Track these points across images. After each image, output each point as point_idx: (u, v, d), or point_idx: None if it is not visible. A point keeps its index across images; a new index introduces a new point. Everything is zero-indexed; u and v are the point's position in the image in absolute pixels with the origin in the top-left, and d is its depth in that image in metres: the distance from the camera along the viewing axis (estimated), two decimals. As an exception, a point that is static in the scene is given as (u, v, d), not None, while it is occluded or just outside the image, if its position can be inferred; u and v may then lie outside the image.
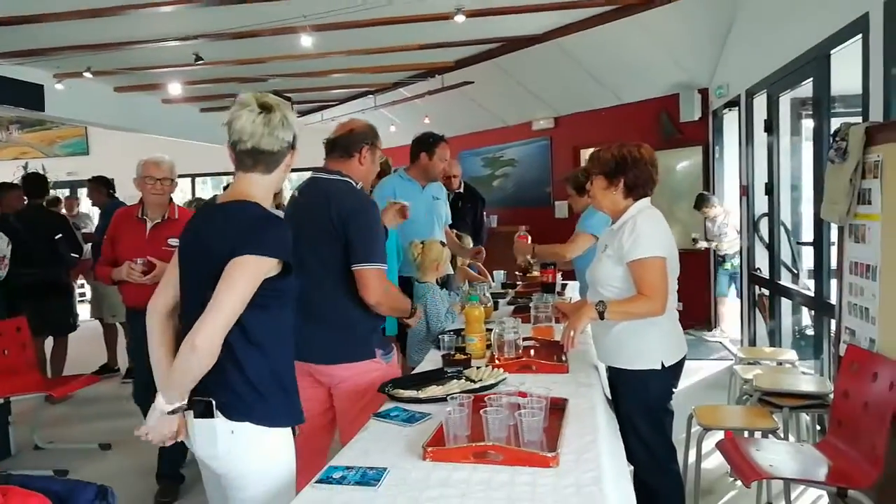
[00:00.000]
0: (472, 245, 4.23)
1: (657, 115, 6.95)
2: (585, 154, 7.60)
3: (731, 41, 5.70)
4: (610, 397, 2.45)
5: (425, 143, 3.51)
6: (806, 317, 4.72)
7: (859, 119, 3.06)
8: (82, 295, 8.05)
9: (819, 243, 3.82)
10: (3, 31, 5.13)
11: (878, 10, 2.94)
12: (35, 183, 5.43)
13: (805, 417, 3.45)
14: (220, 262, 1.62)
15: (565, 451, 1.64)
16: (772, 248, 4.90)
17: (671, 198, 6.70)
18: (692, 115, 6.62)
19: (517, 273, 4.61)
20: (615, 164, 2.40)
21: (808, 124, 4.67)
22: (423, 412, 1.97)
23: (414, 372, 2.51)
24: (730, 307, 6.39)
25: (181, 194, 6.70)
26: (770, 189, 4.85)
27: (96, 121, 8.24)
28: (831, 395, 2.91)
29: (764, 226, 5.13)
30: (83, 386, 4.26)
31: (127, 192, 4.61)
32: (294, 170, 1.84)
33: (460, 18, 5.01)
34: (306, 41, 5.33)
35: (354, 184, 2.41)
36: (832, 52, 3.60)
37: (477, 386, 2.10)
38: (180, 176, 3.48)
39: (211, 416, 1.67)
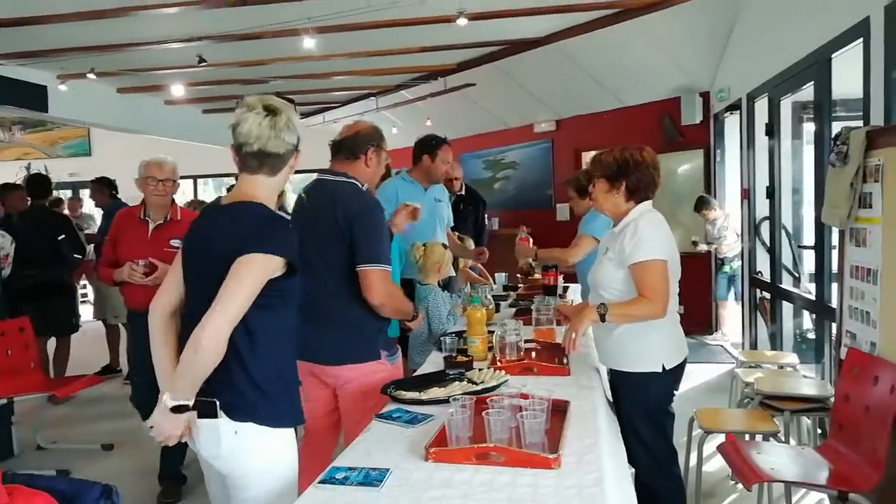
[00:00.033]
0: (473, 247, 4.24)
1: (659, 119, 6.96)
2: (587, 157, 7.61)
3: (732, 45, 5.71)
4: (611, 400, 2.46)
5: (428, 146, 3.52)
6: (807, 320, 4.72)
7: (860, 123, 3.08)
8: (84, 296, 8.07)
9: (820, 247, 3.82)
10: (7, 32, 5.15)
11: (879, 15, 2.95)
12: (38, 184, 5.45)
13: (806, 421, 3.46)
14: (227, 261, 1.62)
15: (567, 452, 1.65)
16: (773, 251, 4.90)
17: (672, 201, 6.71)
18: (693, 118, 6.63)
19: (518, 275, 4.62)
20: (617, 168, 2.41)
21: (809, 128, 4.68)
22: (426, 414, 1.98)
23: (416, 374, 2.52)
24: (730, 310, 6.39)
25: (182, 196, 6.69)
26: (771, 192, 4.86)
27: (99, 122, 8.26)
28: (832, 399, 2.91)
29: (765, 229, 5.14)
30: (86, 386, 4.27)
31: (129, 194, 4.62)
32: (295, 171, 1.85)
33: (462, 21, 5.02)
34: (309, 43, 5.34)
35: (360, 185, 2.42)
36: (833, 56, 3.61)
37: (479, 388, 2.11)
38: (182, 177, 3.47)
39: (215, 416, 1.68)
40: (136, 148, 6.24)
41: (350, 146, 2.46)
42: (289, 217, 1.99)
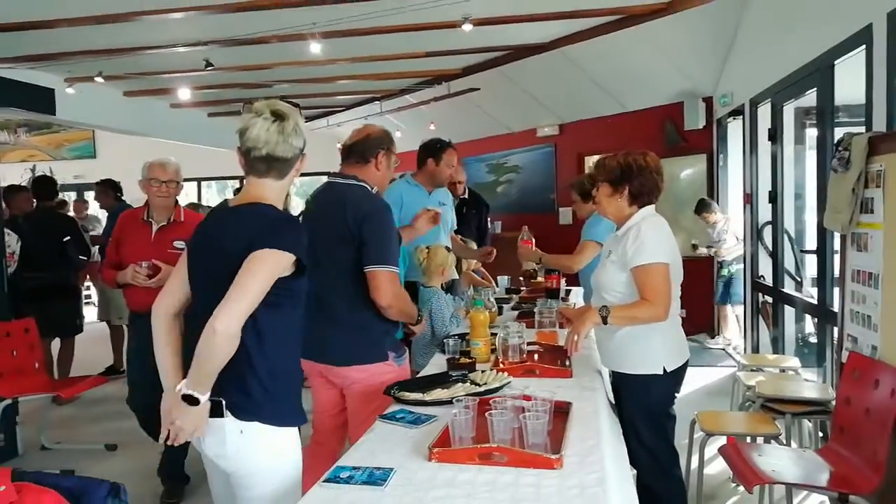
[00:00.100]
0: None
1: (661, 123, 6.98)
2: (590, 161, 7.64)
3: (735, 50, 5.73)
4: (613, 402, 2.48)
5: (433, 149, 3.54)
6: (809, 324, 4.73)
7: (862, 129, 3.09)
8: (87, 297, 8.11)
9: (822, 251, 3.83)
10: (16, 36, 5.19)
11: (882, 22, 2.97)
12: (44, 185, 5.49)
13: (807, 424, 3.46)
14: (236, 260, 1.64)
15: (569, 453, 1.67)
16: (775, 255, 4.91)
17: (675, 205, 6.72)
18: (696, 123, 6.64)
19: (521, 278, 4.63)
20: (620, 172, 2.43)
21: (811, 133, 4.69)
22: (429, 414, 1.99)
23: (419, 375, 2.54)
24: (729, 314, 6.39)
25: (185, 198, 6.71)
26: (774, 197, 4.87)
27: (106, 125, 8.30)
28: (833, 402, 2.93)
29: (767, 234, 5.15)
30: (91, 387, 4.28)
31: (134, 196, 4.65)
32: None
33: (468, 27, 5.05)
34: (315, 48, 5.37)
35: (370, 188, 2.45)
36: (836, 62, 3.62)
37: (481, 389, 2.13)
38: (186, 180, 3.46)
39: (221, 415, 1.70)
40: (140, 150, 6.28)
41: (360, 150, 2.49)
42: (297, 218, 2.02)
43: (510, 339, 2.51)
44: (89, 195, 8.49)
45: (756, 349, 5.41)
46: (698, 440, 2.99)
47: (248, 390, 1.70)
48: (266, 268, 1.64)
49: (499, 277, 4.60)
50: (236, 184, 11.80)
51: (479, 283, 4.29)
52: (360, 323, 2.39)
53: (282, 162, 1.77)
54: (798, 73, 4.13)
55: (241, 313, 1.60)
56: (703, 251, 6.32)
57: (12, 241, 4.50)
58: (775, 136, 4.79)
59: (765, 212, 5.16)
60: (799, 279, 4.77)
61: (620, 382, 2.46)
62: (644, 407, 2.40)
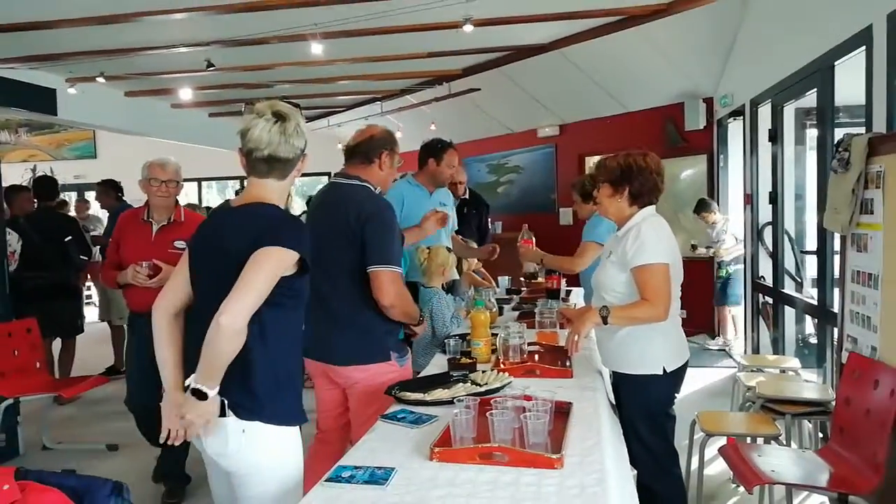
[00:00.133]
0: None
1: (662, 124, 6.99)
2: (590, 161, 7.64)
3: (735, 51, 5.74)
4: (614, 402, 2.48)
5: (434, 149, 3.55)
6: (809, 325, 4.74)
7: (862, 129, 3.09)
8: (88, 297, 8.12)
9: (822, 252, 3.84)
10: (18, 36, 5.20)
11: (882, 23, 2.98)
12: (45, 186, 5.50)
13: (807, 424, 3.47)
14: (240, 257, 1.65)
15: (569, 453, 1.67)
16: (775, 256, 4.92)
17: (676, 205, 6.74)
18: (697, 123, 6.65)
19: (522, 279, 4.64)
20: (620, 173, 2.44)
21: (812, 134, 4.70)
22: (430, 414, 2.00)
23: (420, 375, 2.55)
24: (728, 315, 6.39)
25: (185, 198, 6.70)
26: (774, 198, 4.88)
27: (107, 125, 8.32)
28: (833, 403, 2.93)
29: (768, 234, 5.16)
30: (92, 387, 4.29)
31: (135, 196, 4.66)
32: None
33: (468, 28, 5.06)
34: (316, 49, 5.38)
35: (373, 188, 2.46)
36: (836, 63, 3.63)
37: (482, 389, 2.14)
38: (186, 180, 3.46)
39: (223, 414, 1.70)
40: (141, 150, 6.28)
41: (364, 150, 2.50)
42: (300, 218, 2.03)
43: (511, 339, 2.52)
44: (90, 195, 8.49)
45: (756, 350, 5.42)
46: (698, 441, 2.99)
47: (251, 390, 1.71)
48: (271, 264, 1.65)
49: (499, 278, 4.61)
50: (237, 184, 11.84)
51: (479, 283, 4.30)
52: (362, 323, 2.40)
53: (283, 163, 1.78)
54: (798, 73, 4.14)
55: (247, 308, 1.60)
56: (702, 251, 6.33)
57: (13, 241, 4.51)
58: (776, 136, 4.79)
59: (765, 212, 5.16)
60: (799, 280, 4.78)
61: (620, 382, 2.47)
62: (644, 407, 2.41)
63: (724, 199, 6.56)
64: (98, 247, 6.19)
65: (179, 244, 3.10)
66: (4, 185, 5.23)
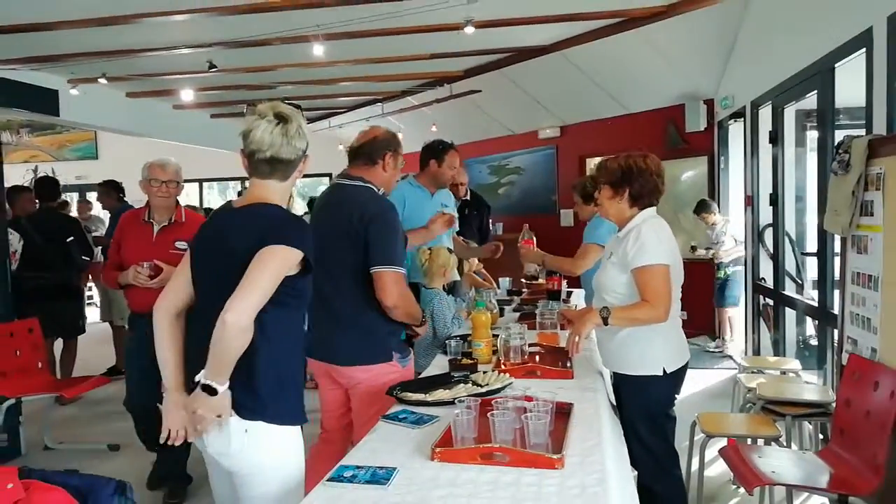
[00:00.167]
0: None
1: (663, 125, 7.00)
2: (591, 163, 7.65)
3: (736, 53, 5.75)
4: (614, 402, 2.49)
5: (435, 151, 3.55)
6: (810, 326, 4.74)
7: (863, 131, 3.10)
8: (90, 298, 8.13)
9: (823, 254, 3.84)
10: (20, 38, 5.22)
11: (882, 25, 2.98)
12: (47, 186, 5.51)
13: (808, 426, 3.47)
14: (244, 257, 1.66)
15: (570, 453, 1.68)
16: (776, 258, 4.92)
17: (676, 207, 6.74)
18: (698, 125, 6.66)
19: (523, 280, 4.65)
20: (621, 174, 2.44)
21: (812, 136, 4.70)
22: (431, 415, 2.00)
23: (421, 376, 2.56)
24: (727, 317, 6.39)
25: (186, 199, 6.71)
26: (774, 200, 4.88)
27: (108, 126, 8.35)
28: (833, 404, 2.94)
29: (768, 236, 5.16)
30: (94, 387, 4.29)
31: (137, 197, 4.67)
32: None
33: (470, 30, 5.07)
34: (318, 50, 5.39)
35: (376, 189, 2.48)
36: (836, 65, 3.63)
37: (483, 390, 2.14)
38: (188, 181, 3.46)
39: (226, 414, 1.71)
40: (142, 151, 6.29)
41: (368, 151, 2.51)
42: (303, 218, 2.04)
43: (512, 340, 2.53)
44: (91, 196, 8.51)
45: (757, 351, 5.42)
46: (699, 442, 3.00)
47: (253, 389, 1.72)
48: (276, 263, 1.66)
49: (500, 279, 4.62)
50: (238, 185, 11.85)
51: (480, 284, 4.31)
52: (365, 323, 2.41)
53: (285, 164, 1.79)
54: (799, 75, 4.15)
55: (252, 306, 1.61)
56: (701, 252, 6.33)
57: (14, 241, 4.52)
58: (776, 138, 4.80)
59: (766, 214, 5.17)
60: (800, 281, 4.78)
61: (621, 383, 2.48)
62: (644, 408, 2.42)
63: (725, 201, 6.57)
64: (100, 247, 6.21)
65: (180, 245, 3.11)
66: (6, 185, 5.26)
